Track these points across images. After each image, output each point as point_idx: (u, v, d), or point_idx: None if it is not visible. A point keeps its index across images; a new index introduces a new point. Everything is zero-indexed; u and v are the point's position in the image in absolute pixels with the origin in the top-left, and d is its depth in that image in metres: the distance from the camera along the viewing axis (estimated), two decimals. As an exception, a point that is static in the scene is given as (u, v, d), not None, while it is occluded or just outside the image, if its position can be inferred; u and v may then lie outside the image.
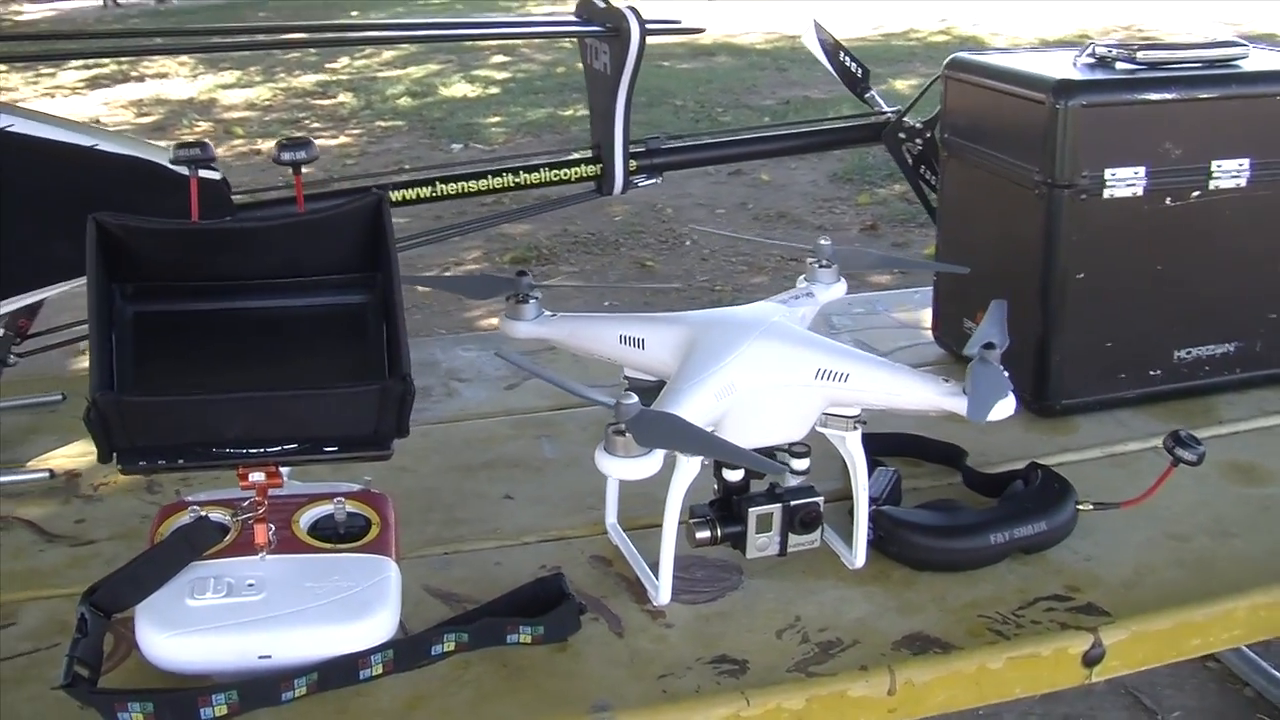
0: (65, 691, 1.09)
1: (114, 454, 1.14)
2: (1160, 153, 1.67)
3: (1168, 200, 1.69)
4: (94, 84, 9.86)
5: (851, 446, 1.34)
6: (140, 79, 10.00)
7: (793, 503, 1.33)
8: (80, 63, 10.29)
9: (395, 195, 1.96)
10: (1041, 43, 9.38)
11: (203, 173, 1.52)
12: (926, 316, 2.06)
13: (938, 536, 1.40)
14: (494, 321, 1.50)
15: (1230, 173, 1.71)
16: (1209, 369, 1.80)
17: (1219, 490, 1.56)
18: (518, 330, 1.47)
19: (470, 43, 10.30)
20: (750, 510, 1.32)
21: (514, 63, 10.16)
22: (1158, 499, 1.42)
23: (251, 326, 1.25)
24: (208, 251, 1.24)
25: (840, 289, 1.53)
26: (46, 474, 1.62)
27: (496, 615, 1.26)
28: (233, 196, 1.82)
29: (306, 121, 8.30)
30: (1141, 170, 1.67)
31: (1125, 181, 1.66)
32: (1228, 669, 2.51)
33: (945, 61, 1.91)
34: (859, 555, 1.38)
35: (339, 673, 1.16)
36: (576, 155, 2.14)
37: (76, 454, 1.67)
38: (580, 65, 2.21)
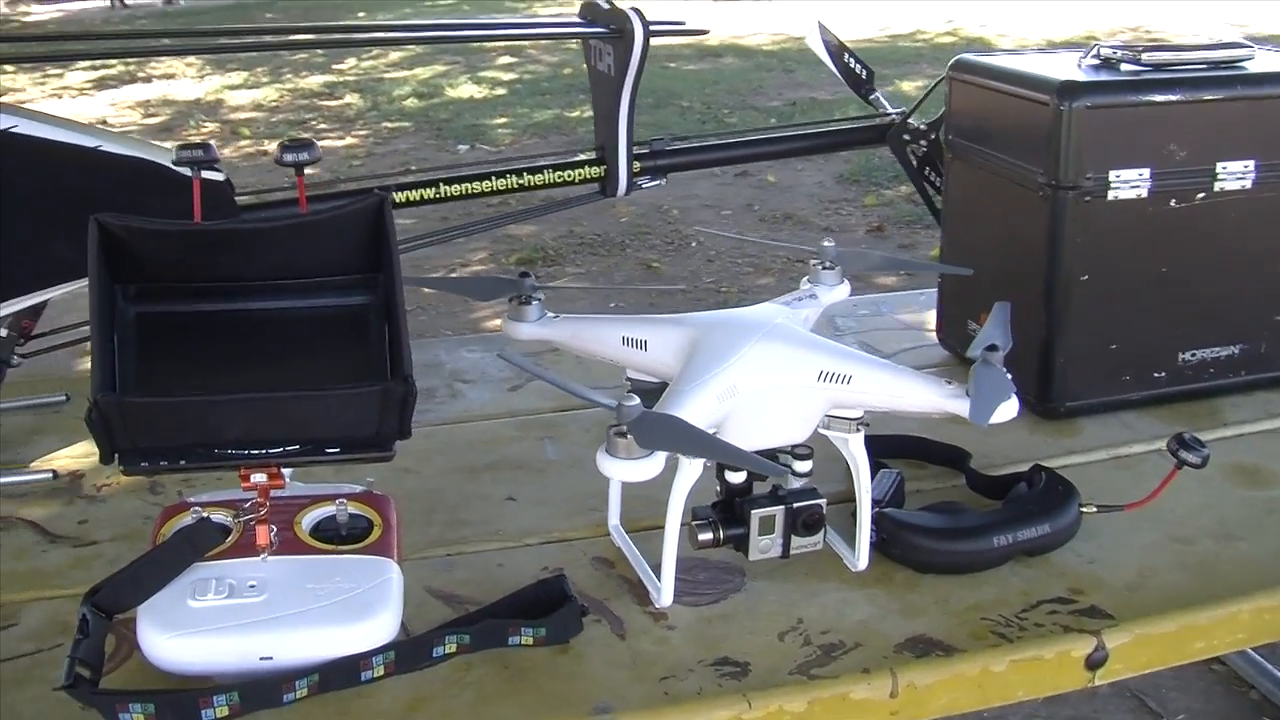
0: (66, 692, 1.09)
1: (116, 455, 1.14)
2: (1165, 154, 1.67)
3: (1172, 202, 1.69)
4: (101, 85, 9.87)
5: (854, 448, 1.34)
6: (147, 80, 10.02)
7: (795, 505, 1.33)
8: (87, 64, 10.31)
9: (399, 196, 1.96)
10: (1049, 44, 9.38)
11: (206, 174, 1.52)
12: (931, 318, 2.06)
13: (940, 539, 1.39)
14: (499, 323, 1.50)
15: (1235, 174, 1.70)
16: (1214, 371, 1.80)
17: (1223, 493, 1.56)
18: (520, 332, 1.47)
19: (476, 44, 10.31)
20: (753, 512, 1.32)
21: (521, 64, 10.16)
22: (1162, 501, 1.42)
23: (254, 327, 1.25)
24: (210, 252, 1.24)
25: (844, 291, 1.53)
26: (50, 475, 1.63)
27: (498, 617, 1.26)
28: (237, 197, 1.82)
29: (313, 122, 8.31)
30: (1146, 172, 1.66)
31: (1130, 183, 1.66)
32: (1233, 672, 2.51)
33: (950, 63, 1.91)
34: (861, 557, 1.38)
35: (340, 674, 1.16)
36: (580, 157, 2.13)
37: (80, 455, 1.67)
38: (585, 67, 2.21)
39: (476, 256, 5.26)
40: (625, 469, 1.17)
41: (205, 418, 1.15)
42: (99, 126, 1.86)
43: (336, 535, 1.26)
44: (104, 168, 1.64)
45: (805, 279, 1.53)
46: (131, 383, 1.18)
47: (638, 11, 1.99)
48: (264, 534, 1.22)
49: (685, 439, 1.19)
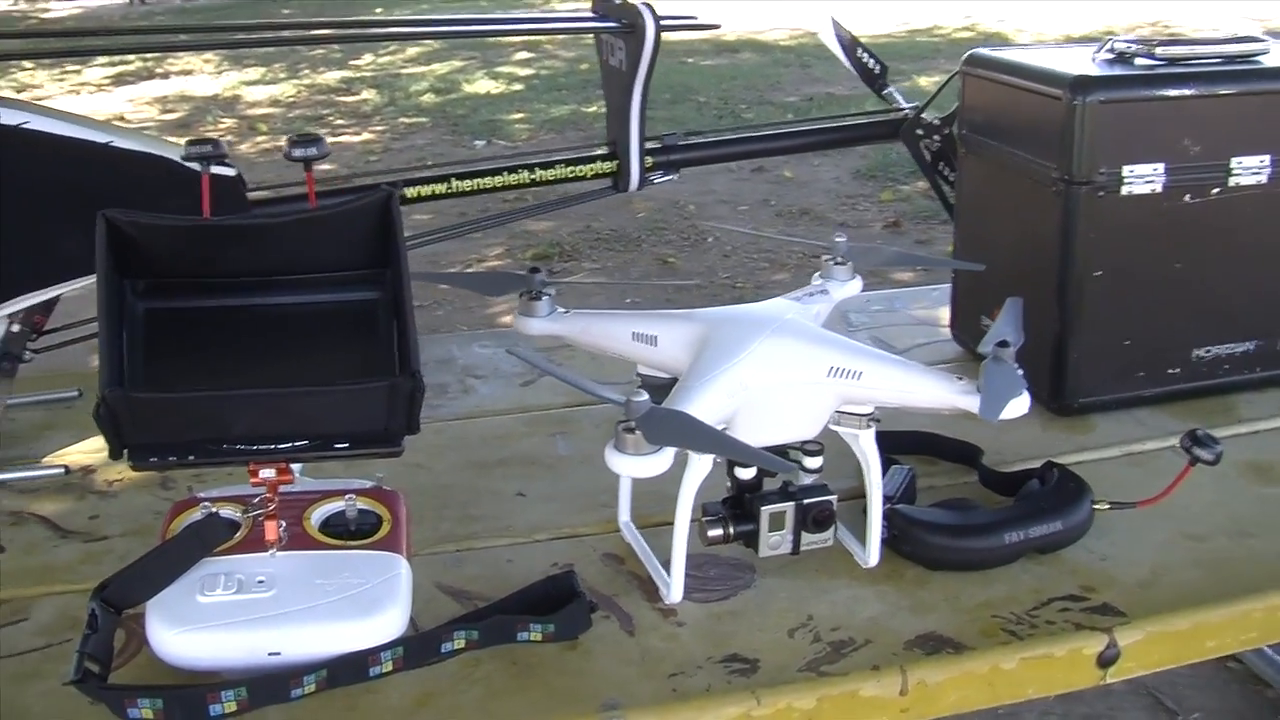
0: (75, 687, 1.09)
1: (124, 450, 1.14)
2: (1179, 149, 1.66)
3: (1187, 197, 1.68)
4: (119, 81, 9.90)
5: (865, 445, 1.34)
6: (165, 76, 10.04)
7: (805, 501, 1.32)
8: (105, 60, 10.33)
9: (411, 192, 1.95)
10: (1067, 39, 9.34)
11: (217, 169, 1.53)
12: (945, 314, 2.05)
13: (951, 535, 1.39)
14: (513, 318, 1.50)
15: (1251, 170, 1.69)
16: (1228, 367, 1.79)
17: (1237, 490, 1.55)
18: (531, 327, 1.47)
19: (492, 40, 10.31)
20: (763, 508, 1.32)
21: (537, 59, 10.17)
22: (1175, 499, 1.41)
23: (262, 323, 1.25)
24: (218, 248, 1.24)
25: (856, 286, 1.53)
26: (61, 470, 1.63)
27: (507, 613, 1.26)
28: (250, 193, 1.82)
29: (330, 118, 8.32)
30: (1160, 167, 1.65)
31: (1144, 178, 1.65)
32: (1250, 670, 2.50)
33: (963, 57, 1.90)
34: (872, 554, 1.38)
35: (348, 670, 1.16)
36: (593, 152, 2.13)
37: (91, 450, 1.68)
38: (602, 62, 2.21)
39: (493, 252, 5.27)
40: (633, 465, 1.17)
41: (213, 413, 1.15)
42: (110, 122, 1.86)
43: (345, 531, 1.26)
44: (115, 163, 1.64)
45: (817, 274, 1.53)
46: (140, 378, 1.18)
47: (649, 6, 1.98)
48: (273, 529, 1.22)
49: (694, 435, 1.18)
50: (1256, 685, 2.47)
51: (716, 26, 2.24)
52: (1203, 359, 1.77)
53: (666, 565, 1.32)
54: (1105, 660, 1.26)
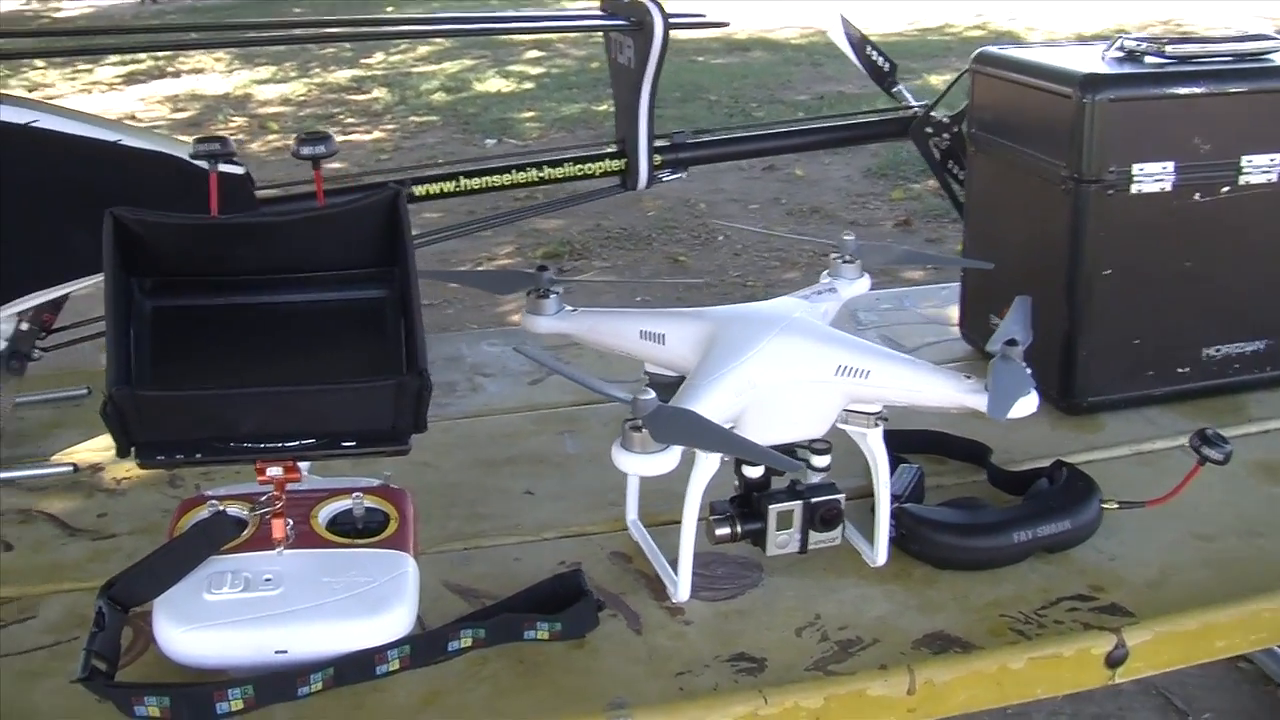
0: (82, 685, 1.10)
1: (132, 448, 1.14)
2: (1189, 148, 1.65)
3: (1197, 196, 1.67)
4: (130, 79, 9.91)
5: (873, 443, 1.34)
6: (176, 74, 10.05)
7: (813, 500, 1.32)
8: (117, 58, 10.35)
9: (419, 190, 1.95)
10: (1078, 38, 9.32)
11: (225, 168, 1.53)
12: (954, 312, 2.05)
13: (960, 534, 1.38)
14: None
15: (1261, 168, 1.69)
16: (1238, 367, 1.78)
17: (1247, 490, 1.54)
18: (539, 325, 1.47)
19: (501, 38, 10.30)
20: (770, 507, 1.31)
21: (548, 58, 10.16)
22: (1184, 498, 1.40)
23: (269, 321, 1.25)
24: (225, 246, 1.24)
25: (864, 284, 1.52)
26: (70, 468, 1.63)
27: (514, 611, 1.26)
28: (260, 191, 1.82)
29: (341, 117, 8.32)
30: (1170, 165, 1.65)
31: (1153, 177, 1.65)
32: (1260, 670, 2.49)
33: (972, 56, 1.89)
34: (880, 553, 1.37)
35: (355, 668, 1.16)
36: (601, 150, 2.13)
37: (100, 448, 1.68)
38: (612, 60, 2.20)
39: (503, 250, 5.26)
40: (640, 463, 1.17)
41: (220, 411, 1.16)
42: (119, 121, 1.86)
43: (353, 529, 1.26)
44: (124, 162, 1.64)
45: (825, 273, 1.53)
46: (147, 376, 1.18)
47: (658, 4, 1.98)
48: (280, 528, 1.22)
49: (700, 433, 1.18)
50: (1267, 685, 2.46)
51: (725, 24, 2.23)
52: (1213, 358, 1.77)
53: (674, 564, 1.32)
54: (1114, 660, 1.26)
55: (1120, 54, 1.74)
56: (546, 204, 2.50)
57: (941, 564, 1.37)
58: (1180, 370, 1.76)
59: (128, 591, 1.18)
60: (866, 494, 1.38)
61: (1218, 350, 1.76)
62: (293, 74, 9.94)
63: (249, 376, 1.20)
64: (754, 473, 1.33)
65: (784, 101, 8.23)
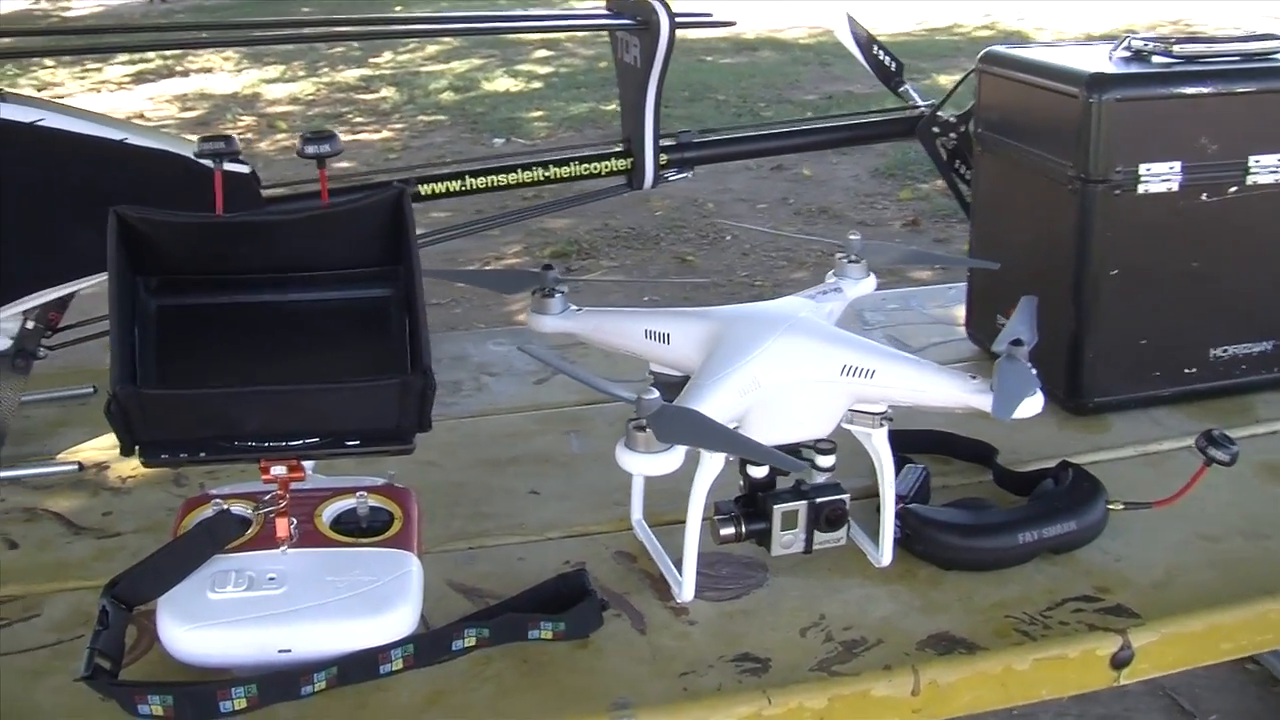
0: (86, 683, 1.10)
1: (136, 447, 1.14)
2: (1196, 148, 1.65)
3: (1204, 196, 1.67)
4: (139, 79, 9.92)
5: (877, 443, 1.33)
6: (185, 74, 10.06)
7: (818, 500, 1.32)
8: (126, 58, 10.35)
9: (425, 189, 1.95)
10: (1087, 38, 9.30)
11: (231, 166, 1.53)
12: (961, 312, 2.04)
13: (965, 535, 1.38)
14: (529, 316, 1.50)
15: (1269, 168, 1.68)
16: (1245, 367, 1.77)
17: (1254, 490, 1.54)
18: (544, 325, 1.47)
19: (509, 37, 10.30)
20: (775, 507, 1.31)
21: (557, 57, 10.16)
22: (1190, 499, 1.40)
23: (274, 320, 1.25)
24: (230, 245, 1.24)
25: (869, 284, 1.52)
26: (75, 466, 1.63)
27: (518, 611, 1.26)
28: (264, 190, 1.82)
29: (349, 116, 8.32)
30: (1177, 165, 1.64)
31: (1160, 177, 1.64)
32: (1268, 672, 2.48)
33: (979, 55, 1.89)
34: (885, 553, 1.37)
35: (359, 667, 1.16)
36: (607, 149, 2.13)
37: (106, 447, 1.68)
38: (620, 59, 2.20)
39: (511, 250, 5.26)
40: (644, 463, 1.16)
41: (224, 410, 1.16)
42: (124, 120, 1.86)
43: (357, 528, 1.26)
44: (130, 161, 1.64)
45: (830, 272, 1.53)
46: (152, 375, 1.19)
47: (664, 3, 1.97)
48: (284, 526, 1.22)
49: (704, 433, 1.18)
50: (1275, 687, 2.46)
51: (732, 24, 2.23)
52: (1220, 358, 1.76)
53: (678, 564, 1.32)
54: (1119, 662, 1.26)
55: (1127, 54, 1.74)
56: (552, 203, 2.49)
57: (946, 564, 1.37)
58: (1187, 371, 1.75)
59: (132, 590, 1.18)
60: (872, 494, 1.38)
61: (1225, 351, 1.76)
62: (301, 73, 9.94)
63: (253, 375, 1.20)
64: (759, 473, 1.33)
65: (792, 101, 8.23)
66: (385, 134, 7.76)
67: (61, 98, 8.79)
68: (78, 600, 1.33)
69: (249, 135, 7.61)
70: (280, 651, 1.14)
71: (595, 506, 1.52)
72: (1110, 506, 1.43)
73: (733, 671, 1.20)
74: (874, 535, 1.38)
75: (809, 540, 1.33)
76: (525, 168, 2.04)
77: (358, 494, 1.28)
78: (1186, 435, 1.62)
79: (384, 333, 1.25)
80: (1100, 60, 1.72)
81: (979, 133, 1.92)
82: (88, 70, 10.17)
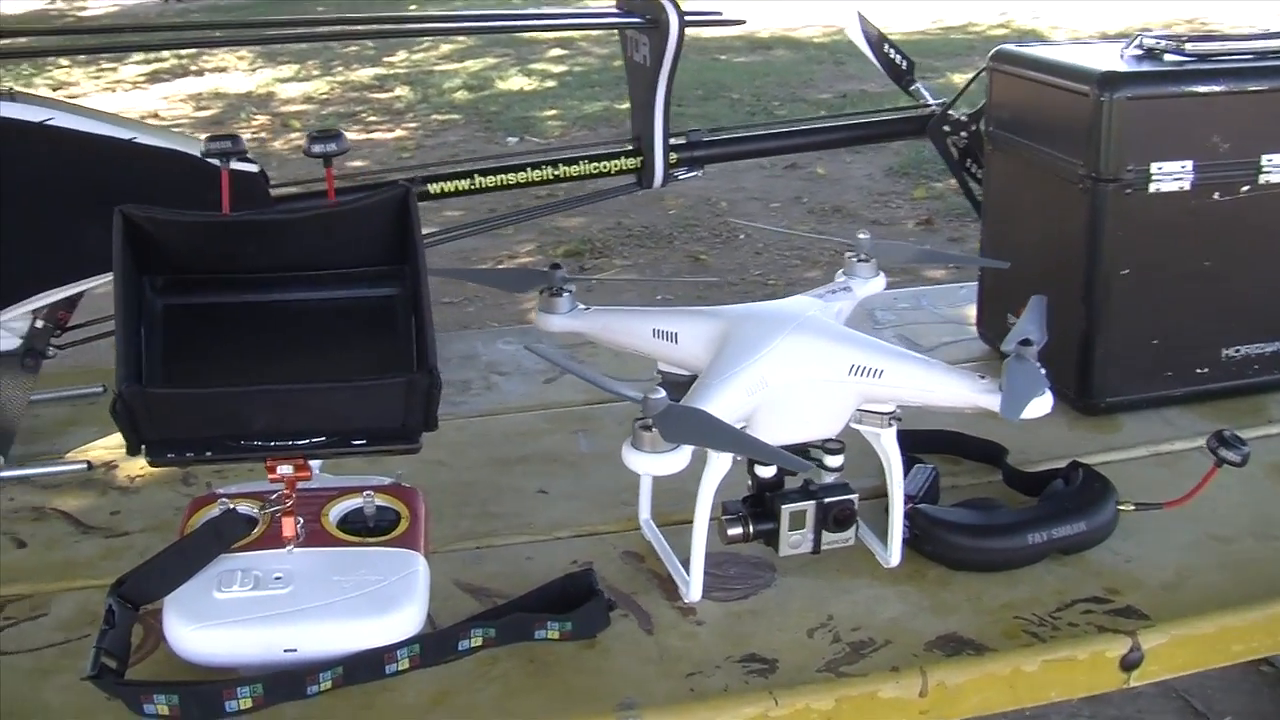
0: (92, 682, 1.10)
1: (142, 446, 1.14)
2: (1208, 146, 1.64)
3: (1216, 195, 1.66)
4: (154, 78, 9.94)
5: (886, 443, 1.33)
6: (199, 73, 10.07)
7: (826, 500, 1.31)
8: (141, 57, 10.37)
9: (434, 188, 1.95)
10: (1102, 36, 9.27)
11: (239, 165, 1.53)
12: (972, 312, 2.04)
13: (974, 535, 1.38)
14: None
15: (1281, 167, 1.67)
16: (1258, 367, 1.76)
17: (1266, 491, 1.53)
18: (552, 324, 1.47)
19: (524, 36, 10.31)
20: (783, 507, 1.31)
21: (571, 56, 10.16)
22: (1201, 500, 1.39)
23: (280, 319, 1.25)
24: (236, 243, 1.24)
25: (879, 283, 1.52)
26: (84, 465, 1.64)
27: (525, 611, 1.26)
28: (275, 189, 1.82)
29: (363, 115, 8.33)
30: (1189, 164, 1.64)
31: (1172, 176, 1.63)
32: (1282, 673, 2.47)
33: (990, 53, 1.88)
34: (894, 554, 1.37)
35: (365, 667, 1.16)
36: (616, 148, 2.12)
37: (114, 446, 1.68)
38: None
39: (524, 249, 5.26)
40: (650, 463, 1.16)
41: (230, 409, 1.16)
42: (134, 119, 1.86)
43: (363, 527, 1.26)
44: (138, 160, 1.64)
45: (840, 271, 1.52)
46: (158, 374, 1.19)
47: (673, 1, 1.97)
48: (290, 526, 1.22)
49: (711, 433, 1.18)
50: (1289, 688, 2.45)
51: (741, 22, 2.22)
52: (1232, 359, 1.75)
53: (686, 564, 1.32)
54: (1128, 663, 1.25)
55: (1139, 52, 1.73)
56: (563, 202, 2.49)
57: (956, 565, 1.37)
58: (1199, 371, 1.75)
59: (138, 589, 1.18)
60: (880, 494, 1.38)
61: (1237, 351, 1.75)
62: (315, 72, 9.96)
63: (259, 374, 1.20)
64: (767, 472, 1.33)
65: (806, 100, 8.21)
66: (399, 133, 7.77)
67: (76, 97, 8.81)
68: (85, 599, 1.33)
69: (263, 134, 7.62)
70: (286, 651, 1.14)
71: (603, 506, 1.52)
72: (1121, 507, 1.42)
73: (739, 672, 1.20)
74: (882, 535, 1.38)
75: (817, 540, 1.33)
76: (534, 167, 2.04)
77: (364, 493, 1.28)
78: (1198, 436, 1.60)
79: (390, 332, 1.25)
80: (1112, 58, 1.71)
81: (990, 131, 1.91)
82: (103, 70, 10.19)
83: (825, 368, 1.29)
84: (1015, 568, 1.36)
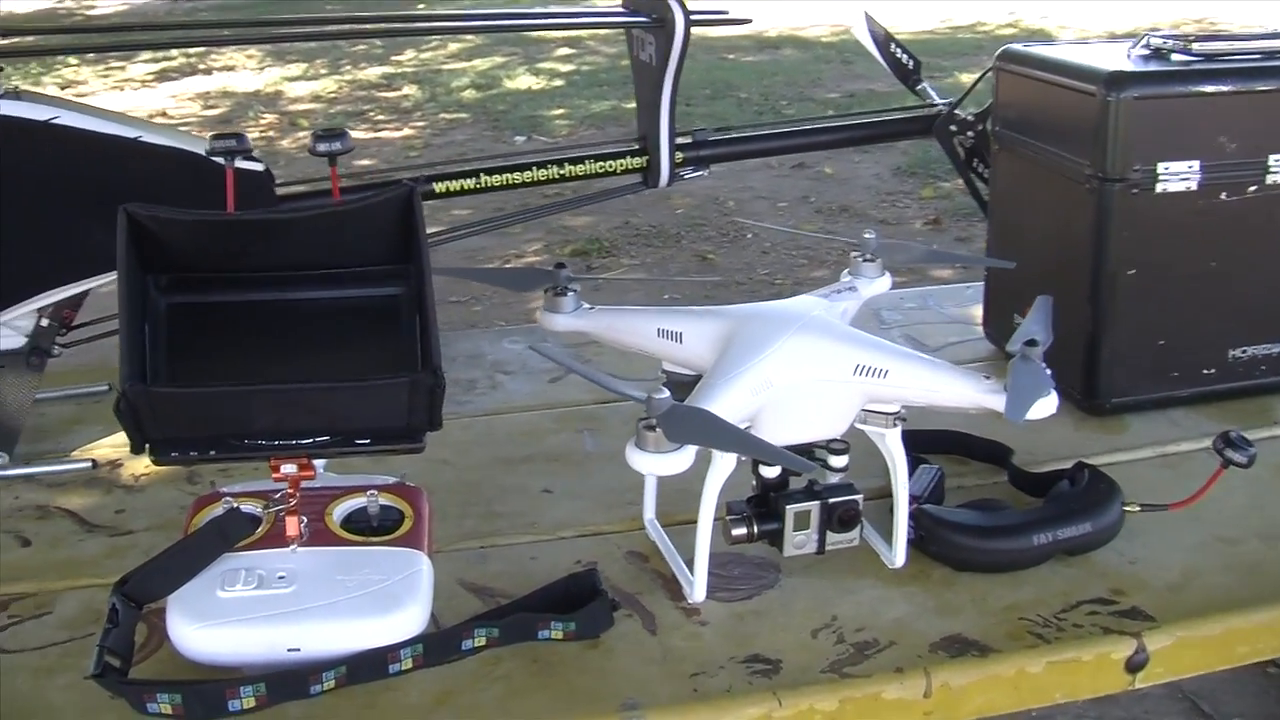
0: (95, 681, 1.10)
1: (146, 445, 1.14)
2: (1215, 146, 1.64)
3: (1223, 195, 1.66)
4: (162, 77, 9.94)
5: (891, 443, 1.33)
6: (208, 72, 10.08)
7: (831, 500, 1.31)
8: (149, 56, 10.38)
9: (440, 187, 1.94)
10: (1110, 36, 9.25)
11: (244, 164, 1.53)
12: (978, 312, 2.04)
13: (979, 536, 1.37)
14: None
15: (1289, 167, 1.67)
16: (1265, 368, 1.76)
17: (1272, 493, 1.53)
18: (556, 323, 1.47)
19: (532, 35, 10.31)
20: (788, 507, 1.30)
21: (579, 55, 10.15)
22: (1207, 501, 1.39)
23: (284, 318, 1.25)
24: (240, 242, 1.24)
25: (884, 283, 1.51)
26: (89, 464, 1.64)
27: (529, 611, 1.25)
28: (281, 187, 1.82)
29: (371, 114, 8.33)
30: (1196, 164, 1.63)
31: (1179, 176, 1.63)
32: (1289, 675, 2.46)
33: (997, 53, 1.88)
34: (899, 554, 1.37)
35: (368, 666, 1.16)
36: (622, 148, 2.12)
37: (119, 444, 1.68)
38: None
39: (532, 248, 5.26)
40: (654, 463, 1.16)
41: (234, 408, 1.16)
42: (140, 118, 1.86)
43: (367, 527, 1.26)
44: (144, 158, 1.64)
45: (845, 271, 1.52)
46: (162, 373, 1.19)
47: (679, 1, 1.97)
48: (294, 525, 1.22)
49: (715, 433, 1.17)
50: (1296, 690, 2.44)
51: (748, 21, 2.22)
52: (1239, 359, 1.75)
53: (690, 564, 1.32)
54: (1134, 665, 1.25)
55: (1146, 52, 1.73)
56: (570, 200, 2.49)
57: (960, 566, 1.36)
58: (1205, 371, 1.74)
59: (141, 588, 1.18)
60: (885, 495, 1.38)
61: (1244, 351, 1.74)
62: (323, 71, 9.96)
63: (263, 373, 1.21)
64: (771, 473, 1.32)
65: (814, 99, 8.20)
66: (407, 131, 7.77)
67: (84, 96, 8.82)
68: (89, 598, 1.33)
69: (271, 133, 7.62)
70: (289, 650, 1.14)
71: (608, 506, 1.52)
72: (1126, 508, 1.42)
73: (743, 673, 1.20)
74: (887, 536, 1.38)
75: (821, 541, 1.32)
76: (540, 166, 2.04)
77: (368, 493, 1.28)
78: (1204, 436, 1.60)
79: (394, 331, 1.25)
80: (1119, 58, 1.70)
81: (997, 131, 1.91)
82: (111, 68, 10.20)
83: (830, 368, 1.28)
84: (1020, 569, 1.36)
